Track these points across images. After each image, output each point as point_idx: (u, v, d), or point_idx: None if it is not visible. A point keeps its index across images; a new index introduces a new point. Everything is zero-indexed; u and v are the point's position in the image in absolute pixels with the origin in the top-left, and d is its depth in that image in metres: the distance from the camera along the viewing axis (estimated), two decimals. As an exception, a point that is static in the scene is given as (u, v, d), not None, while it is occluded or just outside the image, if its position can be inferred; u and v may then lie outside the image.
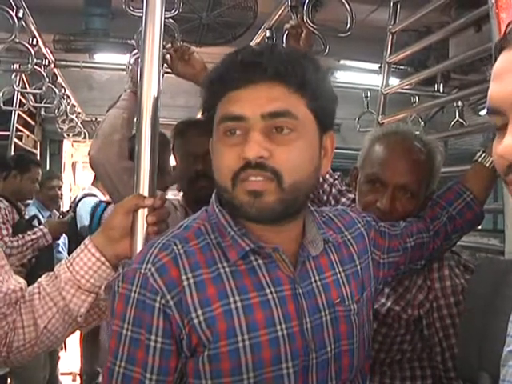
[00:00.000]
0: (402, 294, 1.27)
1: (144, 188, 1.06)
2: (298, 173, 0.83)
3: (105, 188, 1.87)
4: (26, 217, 3.32)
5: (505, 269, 0.81)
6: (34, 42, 2.93)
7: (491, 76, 0.63)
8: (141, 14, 1.13)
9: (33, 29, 2.79)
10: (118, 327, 0.83)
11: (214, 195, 0.93)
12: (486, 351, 0.74)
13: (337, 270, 0.94)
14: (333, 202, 1.51)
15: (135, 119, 1.10)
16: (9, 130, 4.26)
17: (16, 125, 4.33)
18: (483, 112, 4.29)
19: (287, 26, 1.72)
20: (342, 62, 4.23)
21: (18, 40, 2.48)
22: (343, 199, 1.46)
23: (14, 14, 2.35)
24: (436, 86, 3.82)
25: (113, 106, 1.60)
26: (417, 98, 3.76)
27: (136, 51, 1.65)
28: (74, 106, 4.63)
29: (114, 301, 0.85)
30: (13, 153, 4.17)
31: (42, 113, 4.72)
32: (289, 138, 0.82)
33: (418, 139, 1.29)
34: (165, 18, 1.14)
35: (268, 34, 2.43)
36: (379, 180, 1.24)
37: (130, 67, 1.66)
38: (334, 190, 1.53)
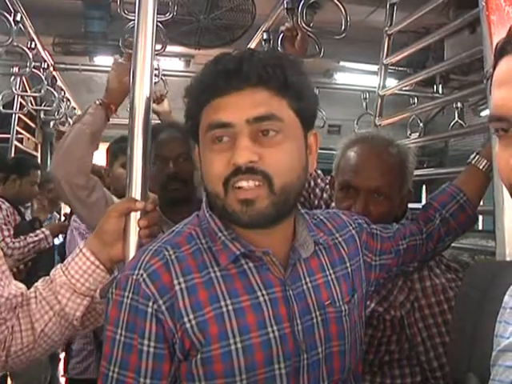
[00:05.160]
0: (385, 295, 1.28)
1: (136, 191, 1.07)
2: (288, 174, 0.84)
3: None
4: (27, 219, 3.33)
5: (495, 270, 0.80)
6: (33, 46, 2.94)
7: (494, 82, 0.61)
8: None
9: (31, 32, 2.81)
10: (111, 333, 0.83)
11: (204, 200, 0.94)
12: (475, 353, 0.74)
13: (327, 272, 0.94)
14: (323, 207, 1.52)
15: (130, 125, 1.09)
16: (9, 133, 4.27)
17: (16, 127, 4.34)
18: (483, 113, 4.29)
19: (282, 28, 1.72)
20: (341, 63, 4.24)
21: (15, 43, 2.48)
22: (333, 204, 1.47)
23: (11, 18, 2.36)
24: (435, 87, 3.82)
25: (78, 120, 1.57)
26: (416, 99, 3.75)
27: (117, 55, 1.63)
28: (74, 109, 4.63)
29: (108, 307, 0.86)
30: (13, 156, 4.17)
31: (42, 115, 4.72)
32: (276, 141, 0.83)
33: (389, 143, 1.31)
34: (158, 21, 1.14)
35: (265, 37, 2.43)
36: (352, 186, 1.26)
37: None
38: (325, 195, 1.55)
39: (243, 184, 0.82)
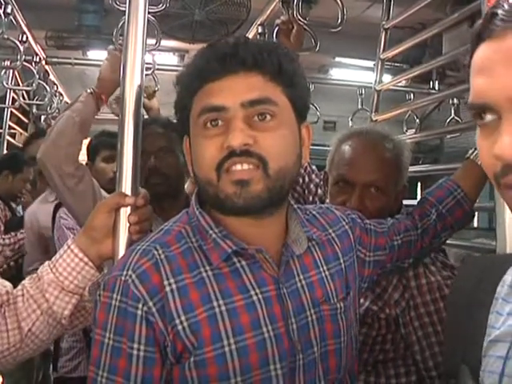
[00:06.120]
0: (379, 294, 1.26)
1: (126, 186, 1.04)
2: (283, 159, 0.82)
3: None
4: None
5: (489, 263, 0.80)
6: (24, 39, 2.90)
7: (472, 69, 0.59)
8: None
9: (22, 25, 2.78)
10: (99, 336, 0.81)
11: (193, 196, 0.91)
12: (469, 345, 0.73)
13: (321, 269, 0.92)
14: (318, 203, 1.51)
15: (121, 118, 1.06)
16: (1, 128, 4.21)
17: (9, 122, 4.27)
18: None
19: (278, 21, 1.71)
20: (337, 59, 4.23)
21: (6, 36, 2.45)
22: (328, 200, 1.45)
23: (1, 10, 2.34)
24: (431, 83, 3.80)
25: (68, 107, 1.56)
26: (412, 95, 3.73)
27: (111, 46, 1.62)
28: (67, 104, 4.58)
29: (96, 309, 0.83)
30: (5, 151, 4.13)
31: (34, 110, 4.67)
32: (271, 125, 0.82)
33: (384, 137, 1.30)
34: (150, 12, 1.11)
35: (260, 30, 2.41)
36: (346, 180, 1.25)
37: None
38: (319, 191, 1.53)
39: (237, 167, 0.80)
